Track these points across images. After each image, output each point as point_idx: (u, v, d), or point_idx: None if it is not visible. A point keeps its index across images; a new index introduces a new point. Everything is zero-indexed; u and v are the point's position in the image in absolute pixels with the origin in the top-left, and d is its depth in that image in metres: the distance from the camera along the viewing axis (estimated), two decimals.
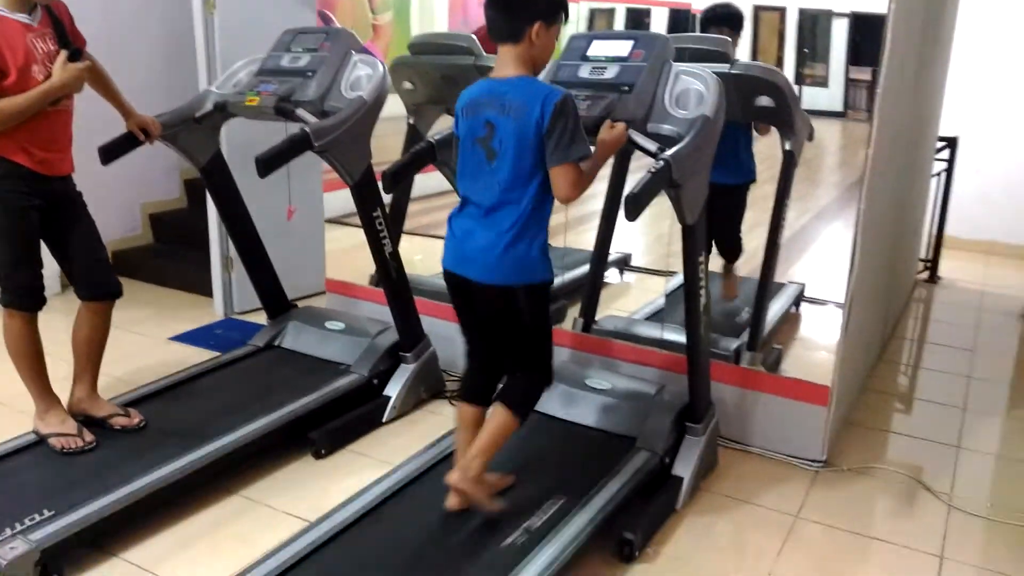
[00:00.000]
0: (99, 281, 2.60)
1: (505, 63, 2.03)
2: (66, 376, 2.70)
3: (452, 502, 2.24)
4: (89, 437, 2.56)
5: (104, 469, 2.43)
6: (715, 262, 3.13)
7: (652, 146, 2.19)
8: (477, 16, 3.78)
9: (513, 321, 2.12)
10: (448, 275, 2.18)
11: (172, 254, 4.79)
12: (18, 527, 2.14)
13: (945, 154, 4.92)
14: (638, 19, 3.52)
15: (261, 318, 3.91)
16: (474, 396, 2.29)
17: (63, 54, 2.37)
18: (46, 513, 2.20)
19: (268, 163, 2.42)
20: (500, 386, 2.29)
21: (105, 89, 2.69)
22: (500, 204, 2.02)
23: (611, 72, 2.33)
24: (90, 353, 2.65)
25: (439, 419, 3.06)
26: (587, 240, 3.44)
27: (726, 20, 2.92)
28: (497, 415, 2.17)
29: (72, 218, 2.54)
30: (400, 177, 2.33)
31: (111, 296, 2.62)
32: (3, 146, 2.34)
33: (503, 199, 2.01)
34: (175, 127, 2.90)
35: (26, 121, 2.33)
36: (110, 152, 2.74)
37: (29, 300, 2.47)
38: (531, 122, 1.95)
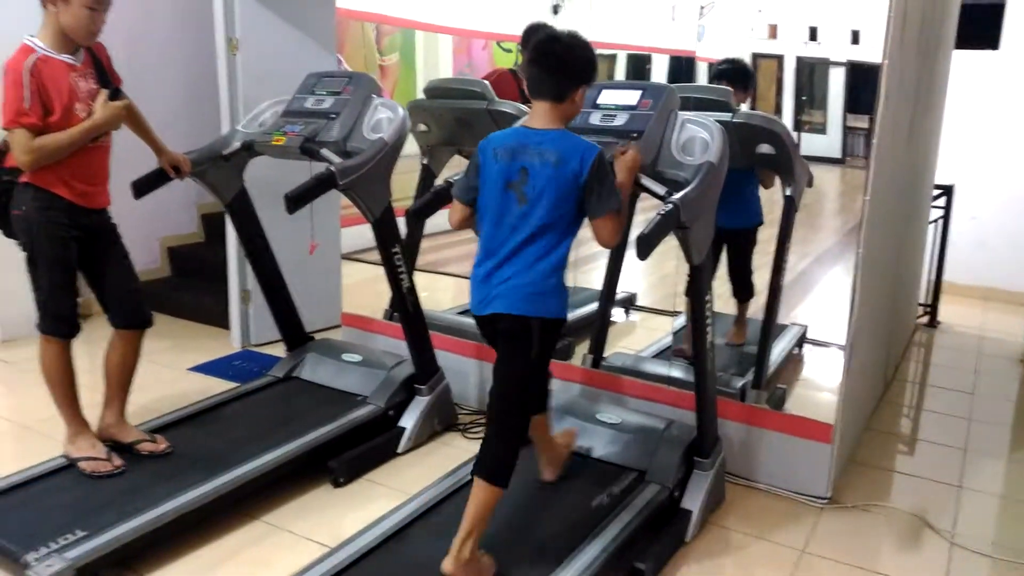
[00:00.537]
0: (132, 310, 2.71)
1: (542, 116, 2.16)
2: (91, 404, 2.78)
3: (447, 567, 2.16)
4: (118, 462, 2.64)
5: (132, 493, 2.51)
6: (720, 304, 3.20)
7: (661, 190, 2.31)
8: (480, 59, 3.95)
9: (522, 353, 2.16)
10: (478, 320, 2.26)
11: (189, 287, 4.90)
12: (53, 546, 2.22)
13: (941, 201, 5.06)
14: (639, 65, 3.67)
15: (277, 350, 4.02)
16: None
17: (104, 93, 2.51)
18: (79, 533, 2.28)
19: (296, 200, 2.54)
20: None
21: (139, 127, 2.81)
22: (525, 245, 2.12)
23: (621, 120, 2.46)
24: (120, 380, 2.75)
25: (452, 451, 3.14)
26: (592, 279, 3.54)
27: (734, 77, 3.06)
28: (478, 492, 2.14)
29: (108, 249, 2.66)
30: (423, 214, 2.46)
31: (143, 325, 2.73)
32: (46, 179, 2.47)
33: (529, 241, 2.12)
34: (204, 164, 3.04)
35: (68, 156, 2.46)
36: (142, 187, 2.88)
37: (66, 327, 2.58)
38: (568, 173, 2.08)
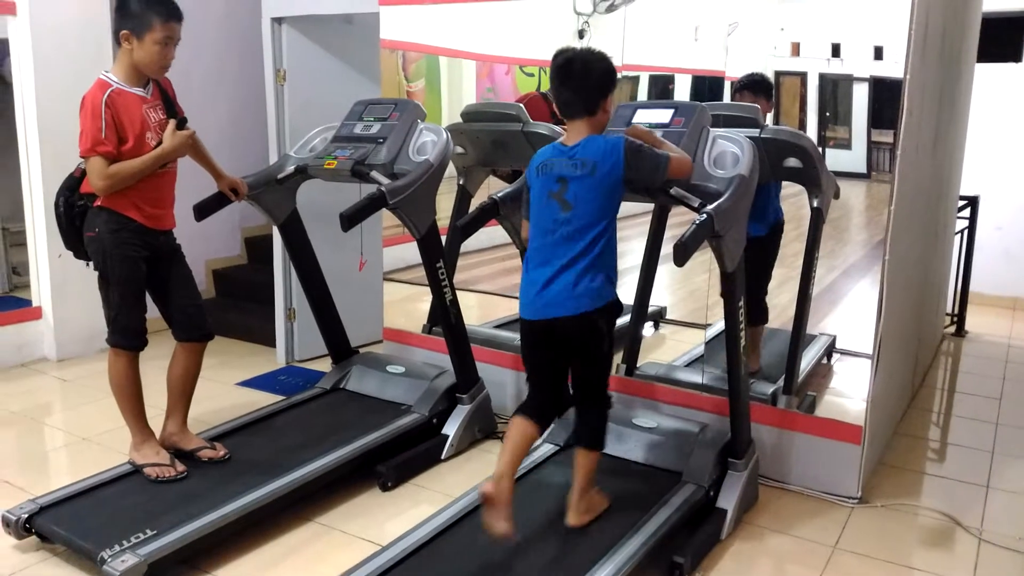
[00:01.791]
0: (195, 324, 2.89)
1: (578, 133, 2.36)
2: (152, 415, 2.95)
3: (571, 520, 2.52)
4: (181, 467, 2.80)
5: (195, 496, 2.67)
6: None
7: (695, 201, 2.45)
8: (503, 83, 4.09)
9: (594, 349, 2.41)
10: (528, 324, 2.43)
11: (234, 307, 5.11)
12: (125, 544, 2.37)
13: (967, 212, 5.13)
14: (663, 85, 3.79)
15: (321, 365, 4.19)
16: (538, 415, 2.46)
17: (172, 123, 2.70)
18: (148, 532, 2.44)
19: (351, 219, 2.72)
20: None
21: (199, 154, 3.00)
22: (574, 248, 2.30)
23: None
24: (183, 390, 2.92)
25: (492, 457, 3.23)
26: (624, 295, 3.64)
27: (754, 87, 3.19)
28: (581, 458, 2.49)
29: (173, 268, 2.85)
30: (470, 230, 2.62)
31: (205, 338, 2.91)
32: (119, 203, 2.66)
33: (577, 243, 2.30)
34: (260, 188, 3.23)
35: (138, 181, 2.65)
36: (204, 209, 3.07)
37: (135, 341, 2.76)
38: (607, 172, 2.28)
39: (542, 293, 2.35)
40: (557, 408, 2.54)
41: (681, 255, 2.22)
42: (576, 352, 2.44)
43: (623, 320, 3.63)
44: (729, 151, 2.55)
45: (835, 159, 3.17)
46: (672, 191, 2.47)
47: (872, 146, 3.08)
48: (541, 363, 2.50)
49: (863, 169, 3.17)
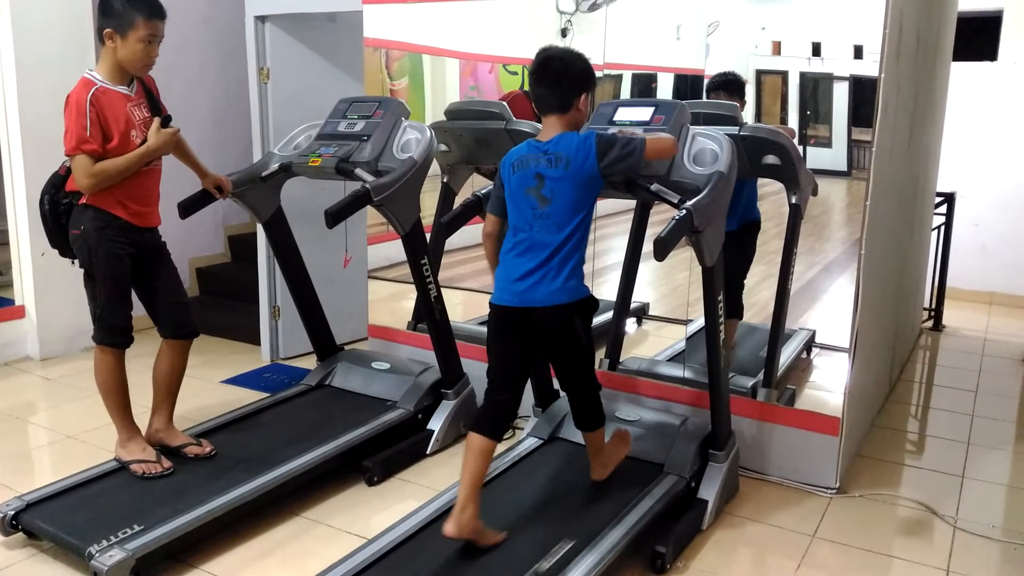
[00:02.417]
0: (181, 321, 2.90)
1: (551, 129, 2.40)
2: (138, 413, 2.96)
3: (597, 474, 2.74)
4: (167, 464, 2.82)
5: (182, 492, 2.69)
6: None
7: (674, 197, 2.49)
8: (486, 81, 4.12)
9: (573, 344, 2.47)
10: (503, 311, 2.45)
11: (218, 305, 5.11)
12: (112, 539, 2.39)
13: (943, 208, 5.22)
14: (645, 83, 3.83)
15: (305, 362, 4.21)
16: (492, 430, 2.45)
17: (157, 120, 2.72)
18: (136, 528, 2.45)
19: (336, 216, 2.74)
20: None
21: (183, 152, 3.00)
22: (551, 241, 2.36)
23: None
24: (169, 387, 2.94)
25: None
26: (607, 291, 3.70)
27: (728, 87, 3.24)
28: (588, 439, 2.70)
29: (158, 265, 2.86)
30: (454, 226, 2.66)
31: (191, 335, 2.92)
32: (104, 201, 2.67)
33: (554, 236, 2.35)
34: (244, 185, 3.24)
35: (124, 179, 2.66)
36: (189, 207, 3.08)
37: (121, 338, 2.77)
38: (581, 166, 2.33)
39: (521, 281, 2.39)
40: (513, 412, 2.51)
41: (661, 250, 2.26)
42: (551, 346, 2.49)
43: (606, 316, 3.69)
44: (708, 148, 2.60)
45: (816, 157, 3.22)
46: (652, 187, 2.52)
47: (852, 144, 3.12)
48: (508, 352, 2.49)
49: (843, 167, 3.21)
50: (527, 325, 2.43)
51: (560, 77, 2.37)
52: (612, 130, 2.68)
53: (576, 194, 2.35)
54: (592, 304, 2.48)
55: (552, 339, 2.47)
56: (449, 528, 2.35)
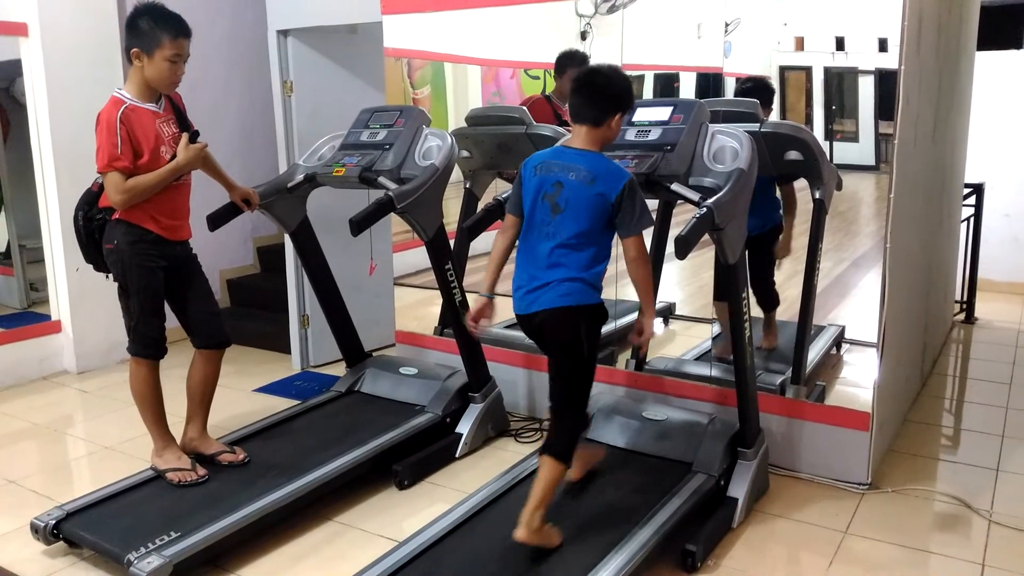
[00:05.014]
0: (213, 332, 2.96)
1: (581, 138, 2.39)
2: (172, 422, 3.02)
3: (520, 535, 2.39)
4: (202, 471, 2.87)
5: (217, 499, 2.74)
6: (756, 310, 3.29)
7: (695, 196, 2.50)
8: (508, 87, 4.15)
9: (575, 349, 2.38)
10: (519, 319, 2.47)
11: (248, 315, 5.19)
12: (151, 545, 2.44)
13: (972, 199, 5.15)
14: (667, 83, 3.83)
15: (335, 370, 4.26)
16: (559, 453, 2.40)
17: (185, 136, 2.78)
18: (173, 534, 2.51)
19: (360, 224, 2.78)
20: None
21: (211, 166, 3.06)
22: (560, 249, 2.34)
23: (655, 134, 2.67)
24: (202, 396, 2.99)
25: (505, 454, 3.33)
26: (631, 292, 3.69)
27: (758, 94, 3.21)
28: (546, 467, 2.38)
29: (190, 277, 2.92)
30: (476, 230, 2.68)
31: (223, 345, 2.98)
32: (136, 216, 2.73)
33: (563, 246, 2.34)
34: (271, 197, 3.30)
35: (155, 194, 2.73)
36: (217, 220, 3.14)
37: (155, 349, 2.83)
38: (598, 192, 2.29)
39: (527, 286, 2.40)
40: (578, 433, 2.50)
41: (682, 249, 2.27)
42: (562, 353, 2.44)
43: (631, 317, 3.68)
44: (728, 146, 2.61)
45: (843, 152, 3.18)
46: (672, 186, 2.53)
47: (880, 138, 3.09)
48: (550, 362, 2.51)
49: (871, 161, 3.18)
50: (542, 332, 2.43)
51: (601, 92, 2.36)
52: (631, 132, 2.71)
53: (588, 211, 2.32)
54: (601, 313, 2.41)
55: (556, 345, 2.44)
56: (520, 533, 2.35)
